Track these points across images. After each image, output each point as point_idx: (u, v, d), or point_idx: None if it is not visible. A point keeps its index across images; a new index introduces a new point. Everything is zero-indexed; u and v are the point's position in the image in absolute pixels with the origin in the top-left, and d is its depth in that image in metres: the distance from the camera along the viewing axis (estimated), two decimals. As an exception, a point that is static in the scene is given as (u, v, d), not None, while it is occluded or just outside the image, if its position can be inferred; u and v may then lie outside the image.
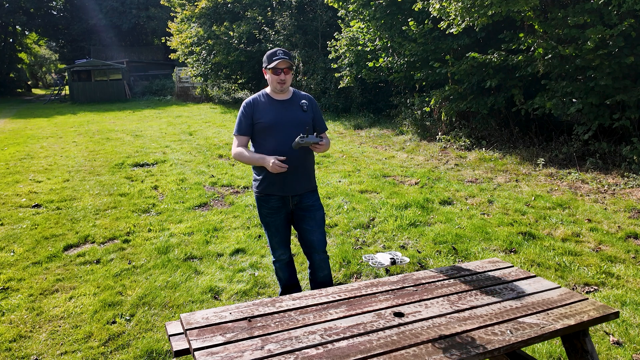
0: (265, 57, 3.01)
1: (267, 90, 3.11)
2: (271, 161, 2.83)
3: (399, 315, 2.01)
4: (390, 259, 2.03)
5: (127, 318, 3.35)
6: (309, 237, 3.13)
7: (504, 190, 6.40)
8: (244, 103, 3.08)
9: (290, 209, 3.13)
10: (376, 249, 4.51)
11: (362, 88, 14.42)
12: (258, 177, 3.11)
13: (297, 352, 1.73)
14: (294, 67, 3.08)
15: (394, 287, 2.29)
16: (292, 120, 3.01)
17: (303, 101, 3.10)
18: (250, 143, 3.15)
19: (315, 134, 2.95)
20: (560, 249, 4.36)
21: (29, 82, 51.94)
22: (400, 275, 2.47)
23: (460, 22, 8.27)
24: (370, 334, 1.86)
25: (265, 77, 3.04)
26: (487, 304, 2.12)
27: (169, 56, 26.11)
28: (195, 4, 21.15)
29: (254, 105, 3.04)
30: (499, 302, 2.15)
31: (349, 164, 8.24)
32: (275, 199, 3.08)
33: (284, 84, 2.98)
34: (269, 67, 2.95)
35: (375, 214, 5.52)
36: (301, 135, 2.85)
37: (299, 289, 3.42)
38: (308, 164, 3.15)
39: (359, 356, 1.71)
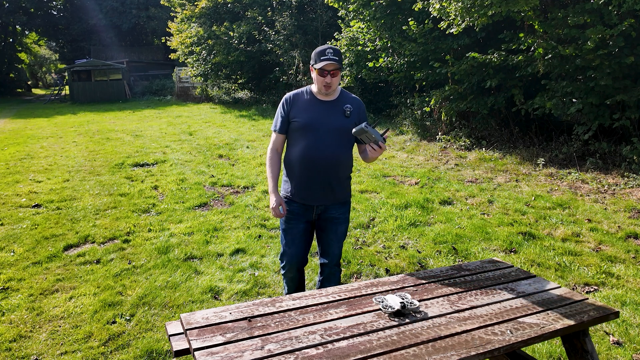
0: (313, 53, 2.72)
1: (313, 88, 2.83)
2: (272, 205, 2.77)
3: (399, 315, 2.01)
4: (400, 302, 2.03)
5: (127, 318, 3.35)
6: (325, 249, 2.96)
7: (504, 190, 6.40)
8: (284, 98, 2.84)
9: (312, 219, 2.90)
10: (376, 249, 4.51)
11: (362, 88, 14.42)
12: (285, 178, 2.91)
13: (297, 352, 1.73)
14: (344, 69, 2.83)
15: (394, 287, 2.28)
16: (330, 125, 2.73)
17: (347, 105, 2.79)
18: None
19: (383, 132, 2.52)
20: (560, 249, 4.36)
21: (29, 82, 51.92)
22: (400, 275, 2.47)
23: (460, 22, 8.26)
24: (370, 334, 1.86)
25: (312, 75, 2.77)
26: (487, 304, 2.12)
27: (169, 56, 26.09)
28: (195, 3, 21.14)
29: (293, 102, 2.79)
30: (499, 302, 2.15)
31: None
32: (296, 204, 2.86)
33: (330, 87, 2.70)
34: (315, 66, 2.67)
35: (375, 214, 5.52)
36: (367, 122, 2.51)
37: None
38: (341, 174, 2.85)
39: (359, 356, 1.71)
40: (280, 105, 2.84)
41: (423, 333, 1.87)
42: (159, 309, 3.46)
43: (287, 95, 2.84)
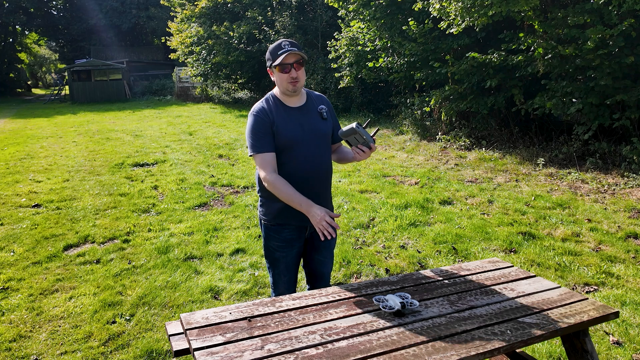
0: (268, 53, 2.33)
1: (277, 94, 2.43)
2: (319, 216, 2.10)
3: (399, 315, 2.01)
4: (400, 302, 2.02)
5: (127, 318, 3.35)
6: (319, 269, 2.67)
7: (504, 190, 6.40)
8: (255, 112, 2.36)
9: (304, 239, 2.57)
10: (376, 249, 4.51)
11: (362, 88, 14.43)
12: (269, 203, 2.48)
13: (297, 352, 1.73)
14: (306, 61, 2.36)
15: (394, 287, 2.28)
16: (313, 133, 2.39)
17: (321, 106, 2.50)
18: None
19: (373, 133, 2.29)
20: (560, 249, 4.36)
21: (29, 82, 51.96)
22: (400, 275, 2.47)
23: (460, 22, 8.27)
24: (370, 334, 1.86)
25: (272, 79, 2.39)
26: (487, 304, 2.12)
27: (169, 56, 26.10)
28: (195, 3, 21.15)
29: (271, 114, 2.35)
30: (499, 302, 2.15)
31: (349, 164, 8.24)
32: (289, 229, 2.48)
33: (297, 82, 2.31)
34: (274, 64, 2.28)
35: (375, 213, 5.52)
36: (358, 122, 2.22)
37: None
38: (330, 183, 2.56)
39: (359, 356, 1.71)
40: (255, 121, 2.34)
41: (423, 333, 1.87)
42: (159, 309, 3.46)
43: (258, 108, 2.38)
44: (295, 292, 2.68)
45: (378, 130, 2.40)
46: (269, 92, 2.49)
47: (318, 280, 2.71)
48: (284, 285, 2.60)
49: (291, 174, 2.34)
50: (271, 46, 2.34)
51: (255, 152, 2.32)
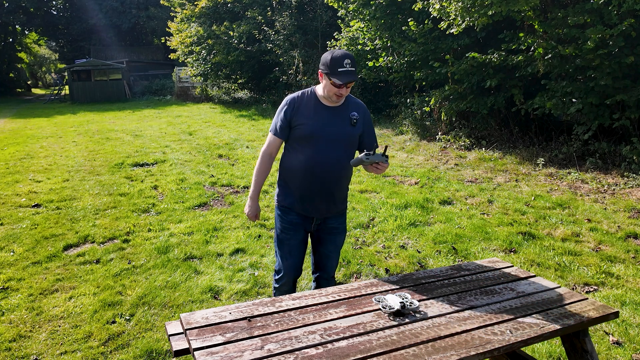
0: (327, 59, 2.42)
1: (319, 91, 2.58)
2: (247, 212, 2.73)
3: (399, 315, 2.01)
4: (400, 302, 2.03)
5: (127, 318, 3.35)
6: (323, 262, 2.81)
7: (504, 190, 6.40)
8: (287, 99, 2.58)
9: (310, 230, 2.74)
10: (376, 249, 4.51)
11: (362, 88, 14.42)
12: (283, 187, 2.71)
13: (296, 352, 1.73)
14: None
15: (393, 287, 2.28)
16: (336, 134, 2.53)
17: (354, 113, 2.59)
18: (284, 144, 2.73)
19: (383, 152, 2.40)
20: (560, 249, 4.36)
21: (29, 82, 51.94)
22: (400, 275, 2.47)
23: (460, 22, 8.27)
24: (370, 334, 1.86)
25: (320, 79, 2.54)
26: (487, 304, 2.12)
27: (169, 56, 26.08)
28: (195, 3, 21.13)
29: (297, 106, 2.54)
30: (499, 302, 2.15)
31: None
32: (295, 213, 2.68)
33: (341, 97, 2.51)
34: (331, 78, 2.41)
35: (375, 213, 5.52)
36: (366, 152, 2.35)
37: None
38: (343, 185, 2.69)
39: (359, 356, 1.71)
40: (282, 107, 2.58)
41: (423, 333, 1.87)
42: (159, 309, 3.46)
43: (290, 97, 2.58)
44: (296, 282, 2.84)
45: (387, 146, 2.46)
46: (313, 86, 2.65)
47: (321, 271, 2.85)
48: (285, 269, 2.74)
49: (301, 165, 2.57)
50: (333, 55, 2.42)
51: (271, 131, 2.63)
